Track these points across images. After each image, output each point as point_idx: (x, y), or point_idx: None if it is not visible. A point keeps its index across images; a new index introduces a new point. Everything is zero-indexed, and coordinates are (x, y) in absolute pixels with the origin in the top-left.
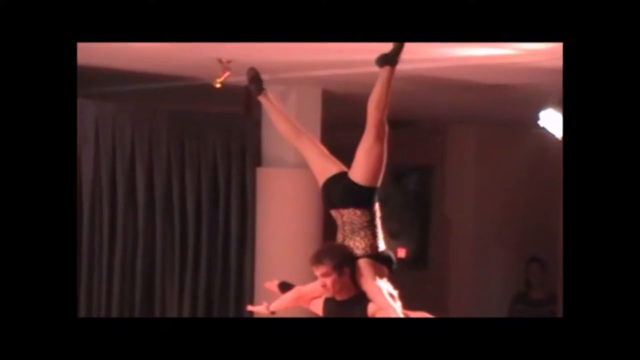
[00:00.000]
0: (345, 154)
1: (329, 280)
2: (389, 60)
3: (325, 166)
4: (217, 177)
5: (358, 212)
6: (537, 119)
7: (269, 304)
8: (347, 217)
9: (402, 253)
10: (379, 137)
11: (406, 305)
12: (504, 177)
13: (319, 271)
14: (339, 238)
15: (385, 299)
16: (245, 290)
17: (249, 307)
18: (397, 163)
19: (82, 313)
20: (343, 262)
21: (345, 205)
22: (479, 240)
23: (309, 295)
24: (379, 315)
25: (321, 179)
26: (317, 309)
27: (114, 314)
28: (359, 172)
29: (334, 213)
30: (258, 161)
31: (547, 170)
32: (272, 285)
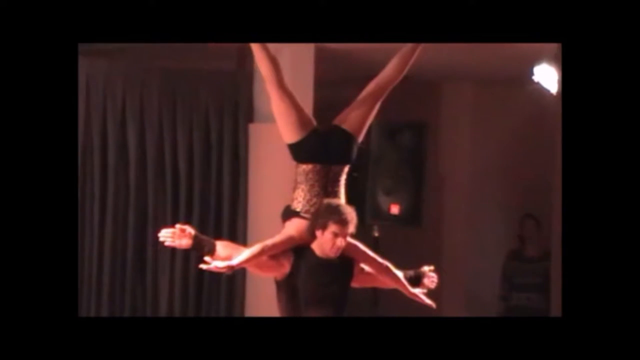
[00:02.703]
0: (337, 111)
1: (345, 241)
2: None
3: (305, 117)
4: (209, 133)
5: (346, 169)
6: (532, 74)
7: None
8: (335, 173)
9: (395, 210)
10: (384, 93)
11: (399, 263)
12: (498, 133)
13: (347, 229)
14: (317, 193)
15: (382, 261)
16: None
17: (204, 266)
18: (391, 119)
19: (79, 268)
20: None
21: (341, 161)
22: (473, 196)
23: (273, 250)
24: (370, 272)
25: (300, 129)
26: (277, 266)
27: (106, 271)
28: (361, 127)
29: (318, 168)
30: (250, 117)
31: (543, 126)
32: (184, 232)
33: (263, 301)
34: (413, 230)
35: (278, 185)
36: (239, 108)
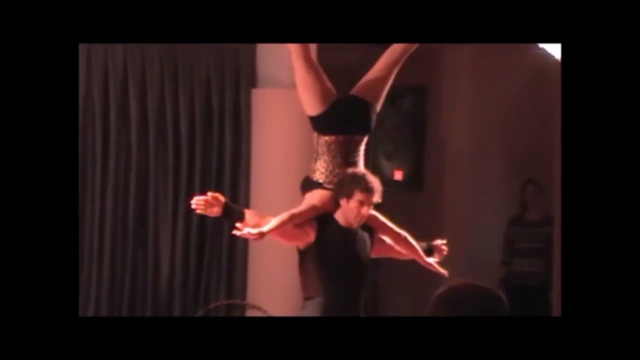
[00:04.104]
0: (340, 75)
1: (369, 210)
2: None
3: (328, 90)
4: (210, 97)
5: (365, 138)
6: None
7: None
8: (355, 143)
9: (398, 176)
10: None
11: (402, 228)
12: (499, 97)
13: (372, 198)
14: (339, 163)
15: (400, 231)
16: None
17: (237, 233)
18: (392, 83)
19: (80, 230)
20: None
21: (361, 131)
22: (474, 161)
23: (300, 219)
24: (390, 243)
25: (323, 102)
26: (302, 235)
27: (107, 233)
28: (379, 95)
29: (340, 139)
30: (253, 82)
31: (544, 91)
32: (216, 200)
33: (265, 259)
34: (415, 195)
35: (280, 149)
36: (241, 73)
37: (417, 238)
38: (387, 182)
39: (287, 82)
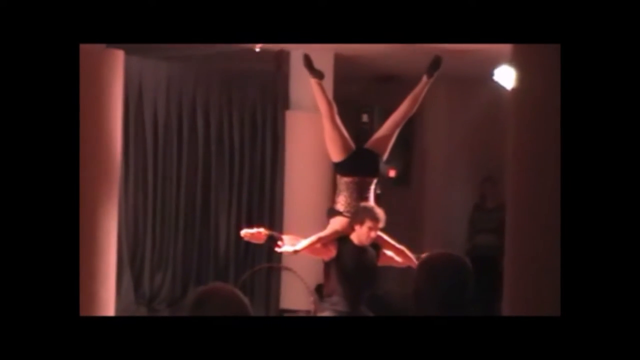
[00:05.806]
0: (351, 106)
1: (376, 233)
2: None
3: (348, 144)
4: (256, 118)
5: (375, 180)
6: (492, 75)
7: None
8: (367, 184)
9: (392, 174)
10: (401, 124)
11: (394, 213)
12: (466, 119)
13: (378, 225)
14: (355, 198)
15: (399, 245)
16: (275, 206)
17: (278, 249)
18: (387, 109)
19: (157, 218)
20: None
21: (372, 175)
22: (447, 164)
23: (325, 240)
24: (392, 255)
25: (344, 152)
26: (326, 252)
27: (181, 219)
28: (385, 149)
29: (357, 180)
30: (287, 106)
31: (500, 114)
32: (260, 235)
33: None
34: (403, 188)
35: (307, 157)
36: (278, 99)
37: (404, 220)
38: (384, 178)
39: (311, 107)
